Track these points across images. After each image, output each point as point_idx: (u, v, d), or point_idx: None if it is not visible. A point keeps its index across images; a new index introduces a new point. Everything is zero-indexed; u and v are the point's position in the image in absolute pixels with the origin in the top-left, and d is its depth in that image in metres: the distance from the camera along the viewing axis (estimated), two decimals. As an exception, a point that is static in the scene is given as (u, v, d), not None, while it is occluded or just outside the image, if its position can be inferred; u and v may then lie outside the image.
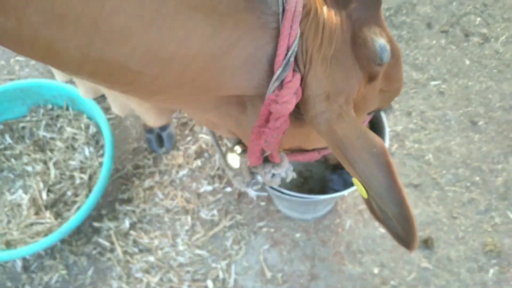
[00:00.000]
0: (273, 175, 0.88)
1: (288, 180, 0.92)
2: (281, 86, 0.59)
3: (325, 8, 0.60)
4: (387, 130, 1.18)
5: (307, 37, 0.58)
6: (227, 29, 0.53)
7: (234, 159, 0.98)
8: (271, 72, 0.59)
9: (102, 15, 0.44)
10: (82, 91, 1.13)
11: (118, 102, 1.12)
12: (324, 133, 0.61)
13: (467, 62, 1.82)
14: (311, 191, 1.47)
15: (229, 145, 1.04)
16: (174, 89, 0.59)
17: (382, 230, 1.48)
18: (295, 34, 0.56)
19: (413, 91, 1.76)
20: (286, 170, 0.89)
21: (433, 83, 1.78)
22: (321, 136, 0.62)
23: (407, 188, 1.55)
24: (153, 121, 1.27)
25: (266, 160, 0.86)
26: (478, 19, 1.93)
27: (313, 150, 0.92)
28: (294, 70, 0.58)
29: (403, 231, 0.57)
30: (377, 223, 1.48)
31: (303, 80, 0.60)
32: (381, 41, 0.58)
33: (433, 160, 1.61)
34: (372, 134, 0.58)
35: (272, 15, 0.56)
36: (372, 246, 1.45)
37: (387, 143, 1.18)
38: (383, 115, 1.18)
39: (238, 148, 0.98)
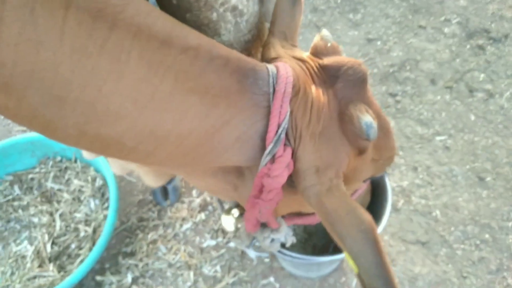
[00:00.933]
0: (272, 240, 0.88)
1: (288, 245, 0.91)
2: (273, 160, 0.60)
3: (313, 87, 0.62)
4: (389, 188, 1.17)
5: (296, 115, 0.60)
6: (220, 109, 0.55)
7: (229, 222, 0.98)
8: (263, 147, 0.61)
9: (99, 97, 0.46)
10: (84, 152, 1.16)
11: (118, 163, 1.15)
12: (314, 205, 0.61)
13: (472, 117, 1.83)
14: (315, 248, 1.44)
15: (227, 206, 1.04)
16: (169, 161, 0.60)
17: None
18: (285, 112, 0.58)
19: (418, 146, 1.76)
20: (285, 235, 0.88)
21: (438, 138, 1.78)
22: (312, 208, 0.63)
23: (414, 245, 1.51)
24: (152, 183, 1.29)
25: (265, 225, 0.85)
26: (482, 75, 1.96)
27: (312, 214, 0.91)
28: (285, 145, 0.60)
29: None
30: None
31: (293, 154, 0.61)
32: (367, 119, 0.59)
33: (440, 216, 1.58)
34: (361, 210, 0.58)
35: (263, 95, 0.59)
36: (379, 308, 1.40)
37: (390, 201, 1.17)
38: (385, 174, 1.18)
39: (235, 211, 0.98)
